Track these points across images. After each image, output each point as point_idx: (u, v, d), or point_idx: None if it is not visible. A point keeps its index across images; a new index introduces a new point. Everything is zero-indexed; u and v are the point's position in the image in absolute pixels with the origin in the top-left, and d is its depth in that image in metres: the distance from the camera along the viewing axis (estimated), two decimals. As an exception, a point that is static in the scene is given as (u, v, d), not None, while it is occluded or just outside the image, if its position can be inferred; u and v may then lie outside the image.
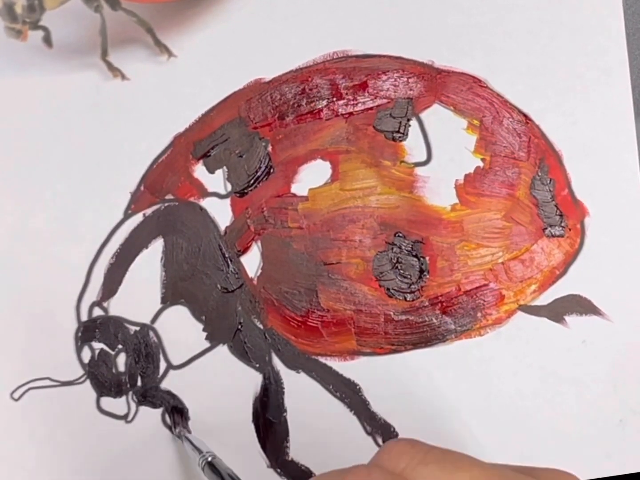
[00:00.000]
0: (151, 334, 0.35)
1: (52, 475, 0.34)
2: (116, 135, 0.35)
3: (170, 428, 0.34)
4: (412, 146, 0.36)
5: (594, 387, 0.36)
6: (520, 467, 0.25)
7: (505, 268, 0.36)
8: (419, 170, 0.36)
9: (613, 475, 0.36)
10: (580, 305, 0.36)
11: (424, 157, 0.36)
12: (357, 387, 0.35)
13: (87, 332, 0.35)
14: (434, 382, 0.35)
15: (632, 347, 0.36)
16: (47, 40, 0.35)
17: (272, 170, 0.36)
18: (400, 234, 0.35)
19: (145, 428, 0.34)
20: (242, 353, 0.35)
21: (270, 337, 0.35)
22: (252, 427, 0.35)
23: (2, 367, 0.34)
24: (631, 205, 0.36)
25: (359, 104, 0.36)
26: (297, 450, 0.35)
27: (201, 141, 0.36)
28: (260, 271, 0.35)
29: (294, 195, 0.35)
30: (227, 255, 0.35)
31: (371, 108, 0.36)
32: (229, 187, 0.36)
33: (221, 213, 0.35)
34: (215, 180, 0.36)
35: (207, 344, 0.35)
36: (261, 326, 0.35)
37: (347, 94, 0.36)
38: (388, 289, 0.35)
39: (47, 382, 0.34)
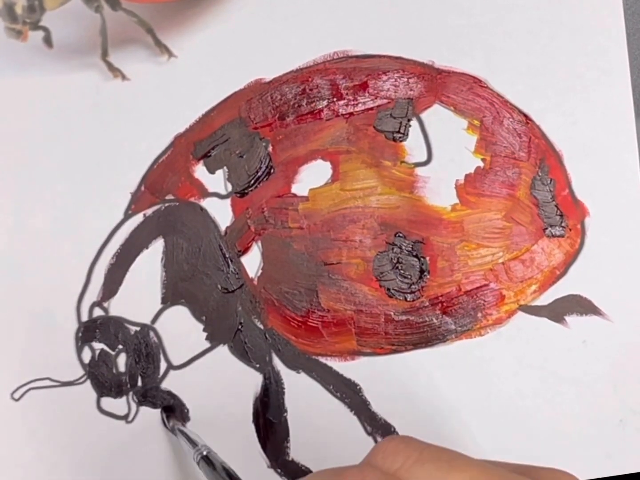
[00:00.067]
0: (151, 334, 0.35)
1: (52, 475, 0.34)
2: (116, 135, 0.35)
3: (163, 421, 0.34)
4: (413, 146, 0.36)
5: (594, 387, 0.36)
6: (519, 466, 0.24)
7: (505, 268, 0.36)
8: (419, 171, 0.36)
9: (613, 475, 0.36)
10: (580, 305, 0.36)
11: (424, 158, 0.36)
12: (358, 387, 0.35)
13: (87, 332, 0.35)
14: (434, 382, 0.35)
15: (632, 347, 0.36)
16: (48, 40, 0.35)
17: (272, 171, 0.36)
18: (401, 234, 0.35)
19: (145, 428, 0.34)
20: (243, 353, 0.35)
21: (271, 337, 0.35)
22: (252, 427, 0.35)
23: (3, 367, 0.34)
24: (631, 205, 0.36)
25: (360, 104, 0.36)
26: (298, 451, 0.35)
27: (202, 141, 0.36)
28: (260, 271, 0.35)
29: (295, 195, 0.35)
30: (227, 256, 0.35)
31: (371, 108, 0.36)
32: (230, 188, 0.36)
33: (221, 213, 0.35)
34: (215, 181, 0.36)
35: (207, 344, 0.35)
36: (261, 326, 0.35)
37: (347, 94, 0.36)
38: (388, 289, 0.35)
39: (48, 383, 0.34)
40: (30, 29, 0.35)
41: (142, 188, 0.35)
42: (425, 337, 0.35)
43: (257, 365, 0.35)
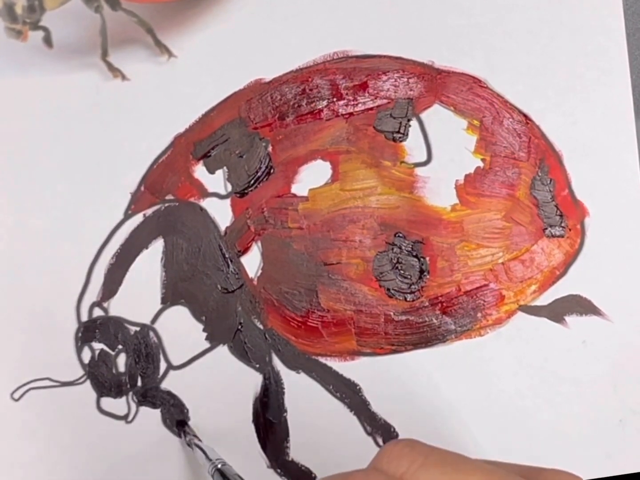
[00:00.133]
0: (151, 334, 0.35)
1: (52, 475, 0.34)
2: (116, 135, 0.35)
3: (178, 434, 0.34)
4: (412, 146, 0.36)
5: (594, 387, 0.36)
6: (523, 468, 0.24)
7: (505, 268, 0.36)
8: (419, 171, 0.36)
9: (613, 475, 0.36)
10: (580, 305, 0.36)
11: (424, 158, 0.36)
12: (357, 387, 0.35)
13: (87, 332, 0.35)
14: (434, 383, 0.35)
15: (632, 347, 0.36)
16: (48, 40, 0.35)
17: (272, 171, 0.36)
18: (401, 234, 0.35)
19: (145, 428, 0.34)
20: (242, 353, 0.35)
21: (271, 337, 0.35)
22: (252, 427, 0.35)
23: (2, 367, 0.34)
24: (631, 205, 0.36)
25: (359, 104, 0.36)
26: (297, 451, 0.35)
27: (201, 141, 0.36)
28: (260, 271, 0.35)
29: (294, 195, 0.35)
30: (227, 256, 0.35)
31: (371, 108, 0.36)
32: (229, 188, 0.36)
33: (221, 213, 0.35)
34: (215, 181, 0.36)
35: (207, 345, 0.35)
36: (261, 326, 0.35)
37: (347, 94, 0.36)
38: (388, 289, 0.35)
39: (47, 383, 0.34)
40: (30, 29, 0.35)
41: (142, 188, 0.35)
42: (425, 337, 0.35)
43: (257, 366, 0.35)
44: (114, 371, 0.35)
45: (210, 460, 0.30)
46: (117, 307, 0.35)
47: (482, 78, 0.36)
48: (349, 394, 0.35)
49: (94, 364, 0.35)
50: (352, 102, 0.36)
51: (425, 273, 0.35)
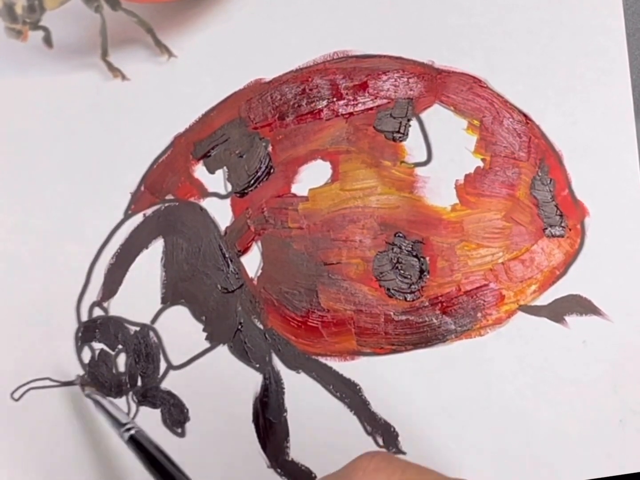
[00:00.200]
0: (151, 334, 0.35)
1: (52, 475, 0.34)
2: (116, 135, 0.35)
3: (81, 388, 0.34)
4: (413, 146, 0.36)
5: (594, 387, 0.36)
6: None
7: (505, 268, 0.36)
8: (419, 171, 0.36)
9: (613, 475, 0.36)
10: (580, 305, 0.36)
11: (424, 158, 0.36)
12: (357, 387, 0.35)
13: (87, 332, 0.35)
14: (434, 382, 0.35)
15: (632, 347, 0.36)
16: (48, 40, 0.35)
17: (272, 171, 0.36)
18: (401, 234, 0.35)
19: (145, 428, 0.34)
20: (242, 353, 0.35)
21: (271, 337, 0.35)
22: (252, 427, 0.35)
23: (3, 367, 0.34)
24: (631, 205, 0.36)
25: (359, 104, 0.36)
26: (297, 451, 0.35)
27: (201, 141, 0.36)
28: (260, 271, 0.35)
29: (294, 195, 0.35)
30: (227, 256, 0.35)
31: (371, 108, 0.36)
32: (229, 188, 0.36)
33: (221, 213, 0.35)
34: (215, 181, 0.36)
35: (207, 344, 0.35)
36: (261, 326, 0.35)
37: (347, 94, 0.36)
38: (388, 289, 0.35)
39: (48, 382, 0.34)
40: (30, 29, 0.35)
41: (142, 188, 0.35)
42: (425, 337, 0.35)
43: (257, 365, 0.35)
44: (114, 371, 0.35)
45: (122, 424, 0.28)
46: (117, 307, 0.35)
47: (482, 78, 0.36)
48: (349, 394, 0.35)
49: (94, 363, 0.35)
50: (352, 102, 0.36)
51: (425, 273, 0.35)
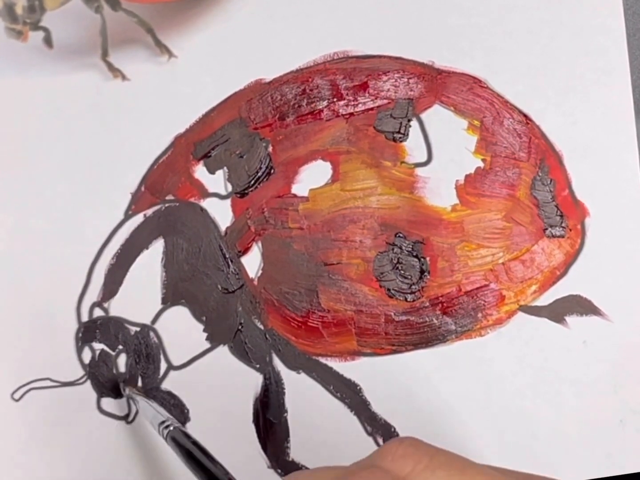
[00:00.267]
0: (152, 334, 0.35)
1: (52, 475, 0.34)
2: (116, 135, 0.35)
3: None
4: (413, 147, 0.36)
5: (594, 387, 0.36)
6: (529, 476, 0.24)
7: (505, 268, 0.36)
8: (419, 171, 0.36)
9: (613, 475, 0.36)
10: (580, 305, 0.36)
11: (424, 158, 0.36)
12: (358, 387, 0.35)
13: (87, 332, 0.35)
14: (434, 383, 0.35)
15: (632, 347, 0.36)
16: (48, 40, 0.35)
17: (272, 171, 0.36)
18: (401, 235, 0.35)
19: (145, 428, 0.34)
20: (243, 353, 0.35)
21: (271, 337, 0.35)
22: (252, 427, 0.35)
23: (3, 367, 0.34)
24: (631, 205, 0.36)
25: (360, 105, 0.36)
26: (298, 451, 0.35)
27: (202, 142, 0.36)
28: (260, 272, 0.35)
29: (295, 195, 0.35)
30: (227, 256, 0.35)
31: (372, 108, 0.36)
32: (230, 188, 0.36)
33: (222, 213, 0.35)
34: (215, 181, 0.36)
35: (207, 345, 0.35)
36: (262, 327, 0.35)
37: (347, 94, 0.36)
38: (389, 290, 0.35)
39: (48, 383, 0.34)
40: (31, 29, 0.35)
41: (142, 188, 0.35)
42: (425, 337, 0.35)
43: (257, 366, 0.35)
44: (114, 371, 0.35)
45: (163, 422, 0.28)
46: (118, 307, 0.35)
47: (482, 78, 0.36)
48: (349, 394, 0.35)
49: (94, 364, 0.35)
50: (353, 103, 0.36)
51: (425, 273, 0.35)
